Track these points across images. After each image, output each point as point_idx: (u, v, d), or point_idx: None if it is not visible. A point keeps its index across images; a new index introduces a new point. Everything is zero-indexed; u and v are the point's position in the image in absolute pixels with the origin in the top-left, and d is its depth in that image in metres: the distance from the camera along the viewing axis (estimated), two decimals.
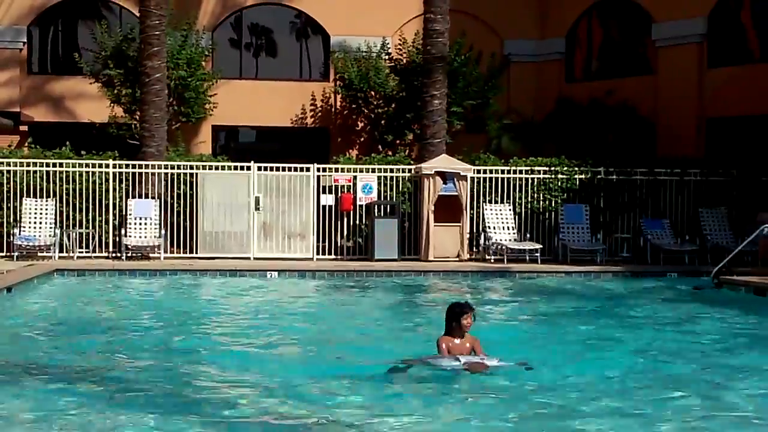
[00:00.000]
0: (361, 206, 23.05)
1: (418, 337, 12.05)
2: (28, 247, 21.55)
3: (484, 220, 23.13)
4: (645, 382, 9.61)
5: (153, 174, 22.80)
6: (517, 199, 23.57)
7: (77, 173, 22.58)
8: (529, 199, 23.66)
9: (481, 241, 23.08)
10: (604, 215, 23.91)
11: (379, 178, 23.18)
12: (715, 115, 26.54)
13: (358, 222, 23.10)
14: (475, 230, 23.37)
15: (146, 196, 22.64)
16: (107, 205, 22.63)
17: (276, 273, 20.45)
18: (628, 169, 23.90)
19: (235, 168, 22.96)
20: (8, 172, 22.44)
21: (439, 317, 10.32)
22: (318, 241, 22.86)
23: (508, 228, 23.07)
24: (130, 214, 22.30)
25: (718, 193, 23.84)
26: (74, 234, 22.20)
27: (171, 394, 8.96)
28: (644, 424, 7.88)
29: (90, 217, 22.55)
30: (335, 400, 8.63)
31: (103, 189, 22.65)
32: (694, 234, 23.29)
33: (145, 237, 22.19)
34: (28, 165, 22.52)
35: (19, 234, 21.66)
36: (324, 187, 22.99)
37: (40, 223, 22.04)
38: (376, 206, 22.77)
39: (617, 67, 29.36)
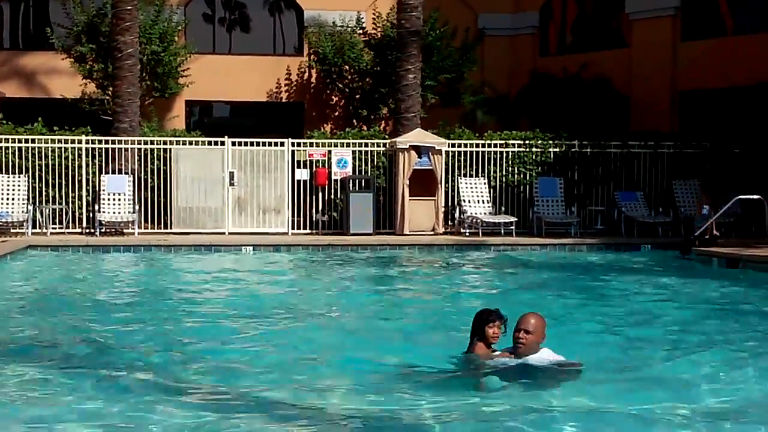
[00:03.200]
0: (336, 181, 23.03)
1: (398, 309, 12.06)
2: (0, 224, 21.41)
3: (459, 193, 23.16)
4: (617, 355, 9.66)
5: (126, 149, 22.68)
6: (491, 173, 23.61)
7: (50, 149, 22.44)
8: (504, 173, 23.70)
9: (456, 215, 23.13)
10: (579, 188, 24.01)
11: (354, 152, 23.15)
12: (688, 88, 26.64)
13: (333, 196, 23.08)
14: (450, 204, 23.41)
15: (120, 172, 22.52)
16: (80, 181, 22.51)
17: (251, 248, 20.44)
18: (602, 142, 23.99)
19: (209, 143, 22.87)
20: None
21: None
22: (293, 215, 22.85)
23: (483, 201, 23.12)
24: (103, 190, 22.19)
25: (691, 165, 23.97)
26: (47, 210, 22.08)
27: (145, 369, 8.94)
28: (616, 392, 7.94)
29: (63, 193, 22.43)
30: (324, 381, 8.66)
31: (76, 165, 22.52)
32: (668, 206, 23.44)
33: (119, 213, 22.09)
34: (0, 141, 22.38)
35: None
36: (299, 162, 22.94)
37: (13, 199, 21.90)
38: (351, 181, 22.75)
39: (591, 41, 29.41)
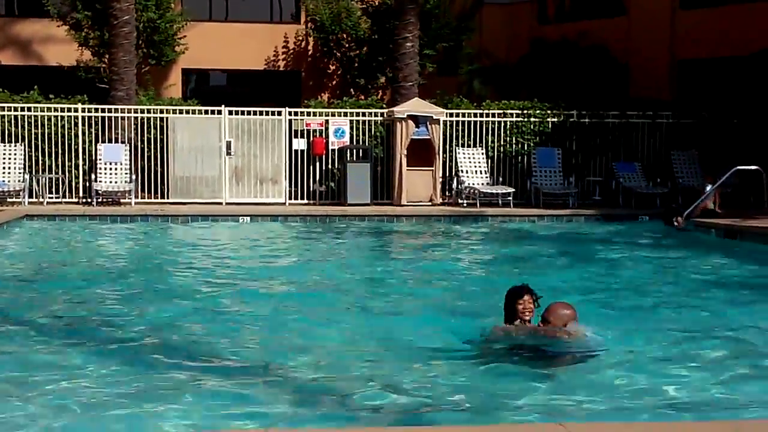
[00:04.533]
0: (333, 151, 22.95)
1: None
2: None
3: (456, 164, 23.09)
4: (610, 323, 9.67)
5: (123, 118, 22.57)
6: (489, 143, 23.53)
7: (45, 117, 22.32)
8: (502, 143, 23.62)
9: (454, 185, 23.07)
10: (577, 158, 23.93)
11: (351, 122, 23.05)
12: (687, 57, 26.52)
13: (330, 166, 23.01)
14: (447, 174, 23.34)
15: (116, 141, 22.41)
16: (77, 150, 22.42)
17: (248, 218, 20.40)
18: (601, 112, 23.90)
19: (206, 112, 22.76)
20: None
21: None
22: (290, 185, 22.78)
23: (481, 172, 23.06)
24: (100, 159, 22.10)
25: (690, 135, 23.90)
26: (44, 179, 22.01)
27: (144, 339, 8.95)
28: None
29: (59, 162, 22.34)
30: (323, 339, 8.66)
31: (72, 133, 22.41)
32: (666, 177, 23.38)
33: (116, 182, 22.01)
34: None
35: None
36: (296, 132, 22.85)
37: (9, 168, 21.81)
38: (348, 150, 22.67)
39: (590, 9, 29.24)
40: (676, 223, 18.88)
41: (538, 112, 23.79)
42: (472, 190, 22.54)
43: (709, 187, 19.83)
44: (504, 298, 8.38)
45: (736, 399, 7.07)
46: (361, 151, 22.88)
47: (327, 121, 22.93)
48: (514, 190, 22.58)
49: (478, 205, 22.14)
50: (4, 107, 22.26)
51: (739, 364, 8.07)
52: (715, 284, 12.62)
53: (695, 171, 23.29)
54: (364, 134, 23.14)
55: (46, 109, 22.35)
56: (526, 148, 23.65)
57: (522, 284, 8.38)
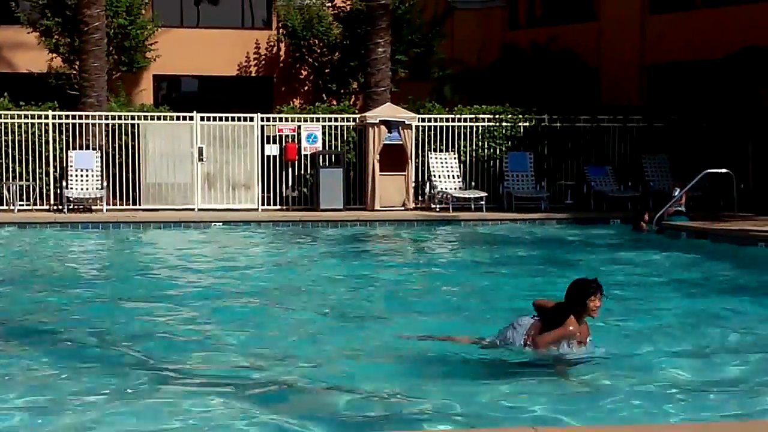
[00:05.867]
0: (305, 156, 22.93)
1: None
2: None
3: (429, 169, 23.14)
4: None
5: (94, 125, 22.46)
6: (462, 148, 23.59)
7: (16, 124, 22.17)
8: (474, 148, 23.69)
9: (427, 190, 23.11)
10: (548, 162, 24.04)
11: (323, 127, 23.04)
12: (657, 62, 26.71)
13: (303, 172, 22.99)
14: (420, 179, 23.38)
15: (87, 148, 22.31)
16: (47, 157, 22.28)
17: (221, 224, 20.35)
18: (572, 116, 24.03)
19: (178, 118, 22.69)
20: None
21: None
22: (263, 191, 22.74)
23: (454, 177, 23.12)
24: (71, 166, 21.98)
25: (660, 139, 24.07)
26: (14, 186, 21.86)
27: (114, 346, 8.92)
28: None
29: (30, 169, 22.19)
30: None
31: (43, 140, 22.28)
32: (637, 180, 23.54)
33: (87, 189, 21.91)
34: None
35: None
36: (268, 137, 22.81)
37: None
38: (321, 156, 22.66)
39: (560, 14, 29.40)
40: (642, 227, 19.02)
41: (509, 116, 23.87)
42: (444, 195, 22.59)
43: (677, 192, 19.98)
44: (570, 289, 7.98)
45: (700, 401, 7.15)
46: (333, 156, 22.88)
47: (299, 127, 22.92)
48: (486, 194, 22.65)
49: (451, 209, 22.20)
50: None
51: (703, 366, 8.16)
52: (682, 285, 12.73)
53: (666, 174, 23.45)
54: (336, 140, 23.14)
55: (16, 116, 22.20)
56: (498, 152, 23.73)
57: (594, 279, 8.01)
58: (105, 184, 21.95)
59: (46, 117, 22.30)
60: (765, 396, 7.24)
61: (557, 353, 7.93)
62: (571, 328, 7.87)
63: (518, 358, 8.07)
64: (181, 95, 30.36)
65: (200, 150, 22.35)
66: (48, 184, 22.29)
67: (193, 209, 22.12)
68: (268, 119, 22.92)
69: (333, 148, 23.03)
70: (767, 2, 24.09)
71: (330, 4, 28.14)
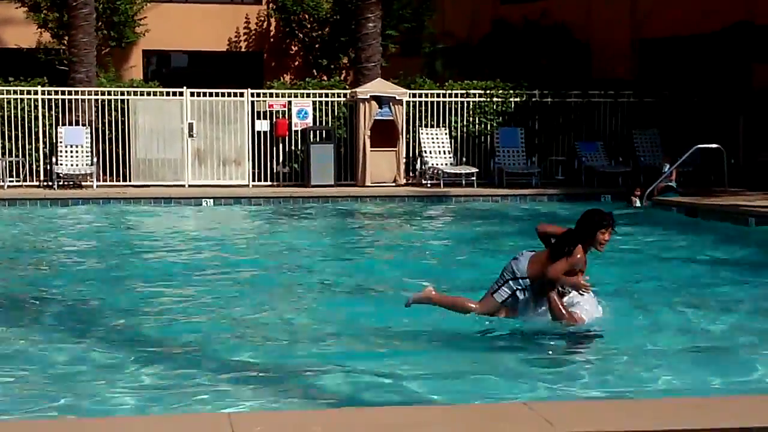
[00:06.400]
0: (296, 132, 22.86)
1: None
2: None
3: (420, 144, 23.09)
4: None
5: (83, 100, 22.36)
6: (453, 123, 23.54)
7: (5, 100, 22.05)
8: (465, 123, 23.64)
9: (418, 166, 23.07)
10: (539, 138, 24.00)
11: (314, 103, 22.96)
12: (648, 36, 26.62)
13: (293, 148, 22.93)
14: (411, 155, 23.34)
15: (77, 124, 22.20)
16: (37, 133, 22.17)
17: (211, 200, 20.31)
18: (563, 91, 23.98)
19: (168, 94, 22.59)
20: None
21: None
22: (253, 167, 22.69)
23: (445, 152, 23.08)
24: (60, 142, 21.89)
25: (651, 114, 24.05)
26: (4, 162, 21.76)
27: (104, 322, 8.91)
28: None
29: (20, 145, 22.09)
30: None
31: (33, 116, 22.16)
32: (628, 155, 23.53)
33: (77, 165, 21.82)
34: None
35: None
36: (259, 113, 22.74)
37: None
38: (311, 132, 22.60)
39: None
40: (632, 203, 19.04)
41: (500, 92, 23.82)
42: (435, 171, 22.57)
43: (667, 167, 19.98)
44: (583, 218, 7.96)
45: (691, 373, 7.18)
46: (324, 132, 22.82)
47: (290, 103, 22.84)
48: (477, 170, 22.63)
49: (442, 185, 22.18)
50: None
51: (691, 339, 8.22)
52: (673, 261, 12.76)
53: (657, 150, 23.43)
54: (327, 115, 23.07)
55: (5, 92, 22.08)
56: (489, 128, 23.68)
57: (609, 212, 7.93)
58: (95, 160, 21.87)
59: (36, 93, 22.18)
60: (755, 364, 7.28)
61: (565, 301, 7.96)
62: (579, 256, 7.84)
63: (510, 330, 8.11)
64: (171, 71, 30.22)
65: (190, 126, 22.27)
66: (38, 161, 22.19)
67: (183, 185, 22.05)
68: (258, 95, 22.82)
69: (323, 123, 22.97)
70: None
71: None
